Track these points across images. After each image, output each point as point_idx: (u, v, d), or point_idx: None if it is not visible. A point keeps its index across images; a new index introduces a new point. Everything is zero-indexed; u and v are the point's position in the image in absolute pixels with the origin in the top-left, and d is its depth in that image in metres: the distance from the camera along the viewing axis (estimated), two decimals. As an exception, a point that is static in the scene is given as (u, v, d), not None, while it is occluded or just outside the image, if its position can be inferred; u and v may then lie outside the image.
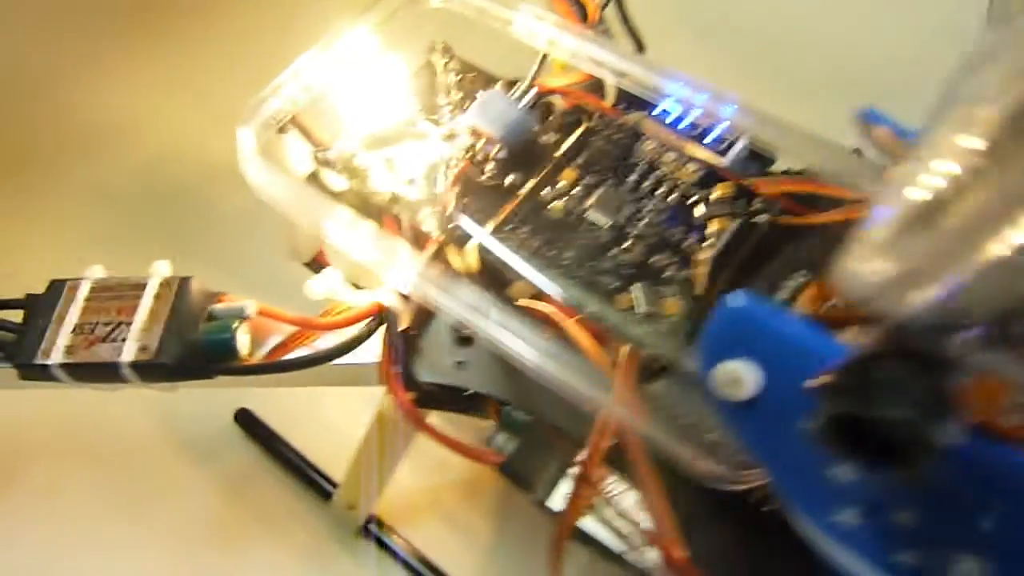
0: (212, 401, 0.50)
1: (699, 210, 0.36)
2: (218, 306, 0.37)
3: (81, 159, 0.62)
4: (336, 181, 0.40)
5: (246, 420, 0.50)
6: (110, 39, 0.67)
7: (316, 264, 0.46)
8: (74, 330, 0.36)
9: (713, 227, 0.35)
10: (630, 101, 0.40)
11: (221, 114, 0.64)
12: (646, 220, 0.36)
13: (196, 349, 0.35)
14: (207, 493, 0.48)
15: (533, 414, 0.35)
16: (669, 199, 0.37)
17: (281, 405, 0.49)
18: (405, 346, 0.35)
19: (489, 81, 0.42)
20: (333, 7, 0.43)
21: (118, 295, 0.37)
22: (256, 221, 0.58)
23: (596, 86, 0.41)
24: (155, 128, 0.63)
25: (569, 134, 0.39)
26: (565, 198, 0.37)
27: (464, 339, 0.37)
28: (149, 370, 0.35)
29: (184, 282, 0.37)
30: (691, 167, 0.37)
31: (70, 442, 0.50)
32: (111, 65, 0.66)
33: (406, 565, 0.44)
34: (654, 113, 0.38)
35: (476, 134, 0.38)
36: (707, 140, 0.37)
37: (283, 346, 0.37)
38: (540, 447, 0.35)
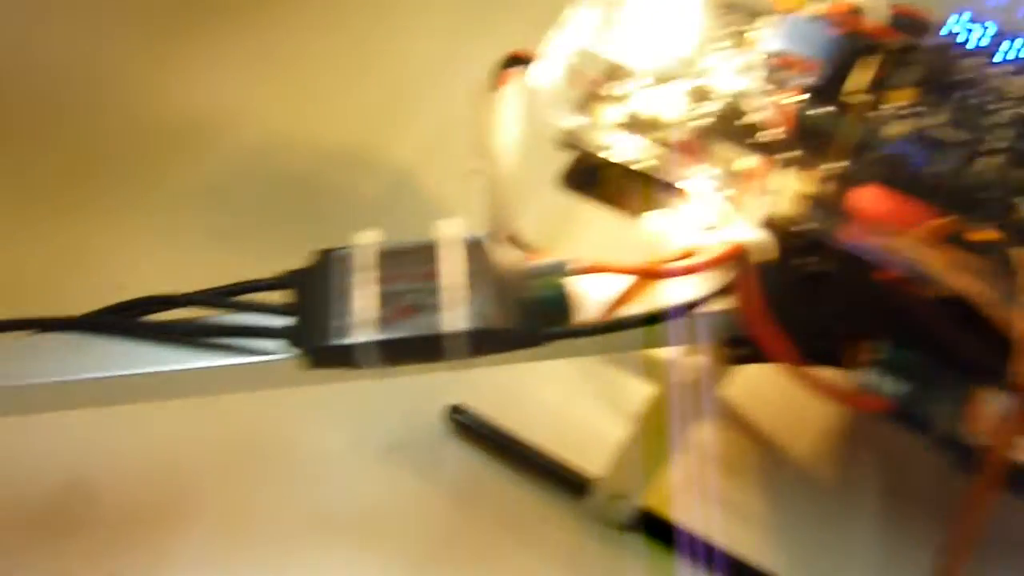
0: (408, 402, 0.44)
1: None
2: (534, 263, 0.31)
3: (186, 155, 0.55)
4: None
5: (461, 417, 0.44)
6: (205, 30, 0.61)
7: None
8: (378, 300, 0.30)
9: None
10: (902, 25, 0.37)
11: (326, 98, 0.59)
12: (998, 134, 0.33)
13: (525, 312, 0.30)
14: (433, 504, 0.42)
15: (923, 347, 0.31)
16: (1007, 114, 0.33)
17: (488, 396, 0.44)
18: (773, 289, 0.31)
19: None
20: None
21: (410, 260, 0.31)
22: (384, 207, 0.53)
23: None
24: (257, 118, 0.57)
25: (870, 59, 0.36)
26: (907, 119, 0.33)
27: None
28: (479, 340, 0.29)
29: (482, 240, 0.32)
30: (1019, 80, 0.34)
31: (258, 465, 0.43)
32: (206, 56, 0.60)
33: (689, 554, 0.39)
34: (942, 34, 0.36)
35: (786, 62, 0.35)
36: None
37: (615, 304, 0.32)
38: (929, 383, 0.31)
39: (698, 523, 0.40)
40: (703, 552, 0.40)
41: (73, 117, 0.55)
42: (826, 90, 0.35)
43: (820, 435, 0.42)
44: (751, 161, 0.33)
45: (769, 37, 0.35)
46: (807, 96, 0.33)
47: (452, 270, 0.30)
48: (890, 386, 0.31)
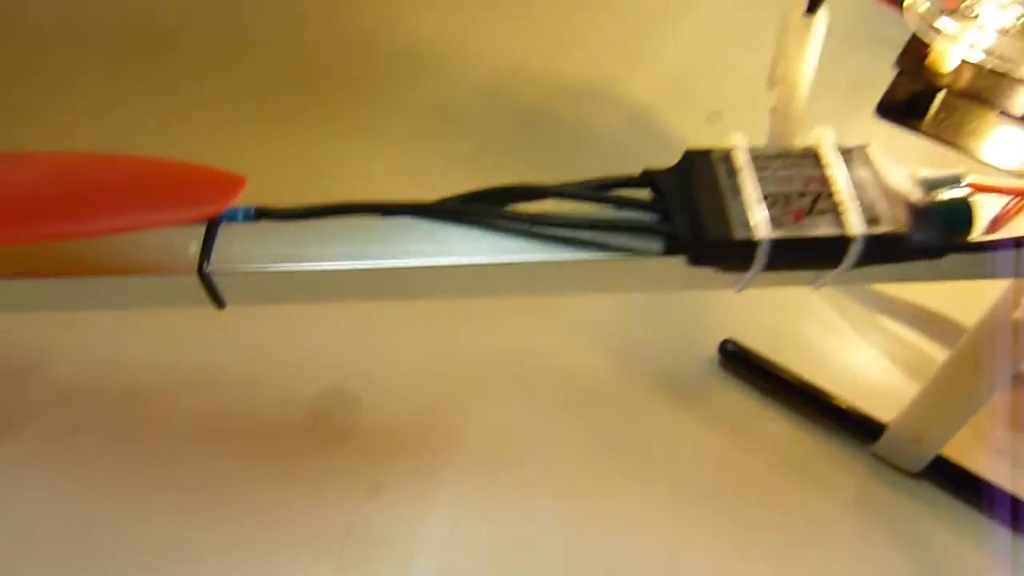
0: (675, 339, 0.43)
1: None
2: (927, 174, 0.30)
3: (423, 80, 0.55)
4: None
5: (735, 352, 0.43)
6: None
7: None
8: (764, 202, 0.29)
9: None
10: None
11: (562, 32, 0.58)
12: None
13: (927, 222, 0.29)
14: (708, 440, 0.41)
15: None
16: None
17: (758, 335, 0.43)
18: None
19: None
20: None
21: (792, 164, 0.30)
22: (617, 143, 0.52)
23: None
24: (494, 47, 0.56)
25: None
26: None
27: None
28: (883, 246, 0.28)
29: (862, 149, 0.31)
30: None
31: (524, 389, 0.42)
32: None
33: (984, 504, 0.38)
34: None
35: None
36: None
37: (996, 222, 0.31)
38: None
39: (995, 474, 0.38)
40: (999, 503, 0.38)
41: (311, 41, 0.55)
42: None
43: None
44: None
45: None
46: None
47: (841, 176, 0.29)
48: None
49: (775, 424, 0.41)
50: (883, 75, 0.38)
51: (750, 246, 0.28)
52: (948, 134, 0.37)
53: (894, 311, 0.43)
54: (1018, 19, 0.32)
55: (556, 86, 0.54)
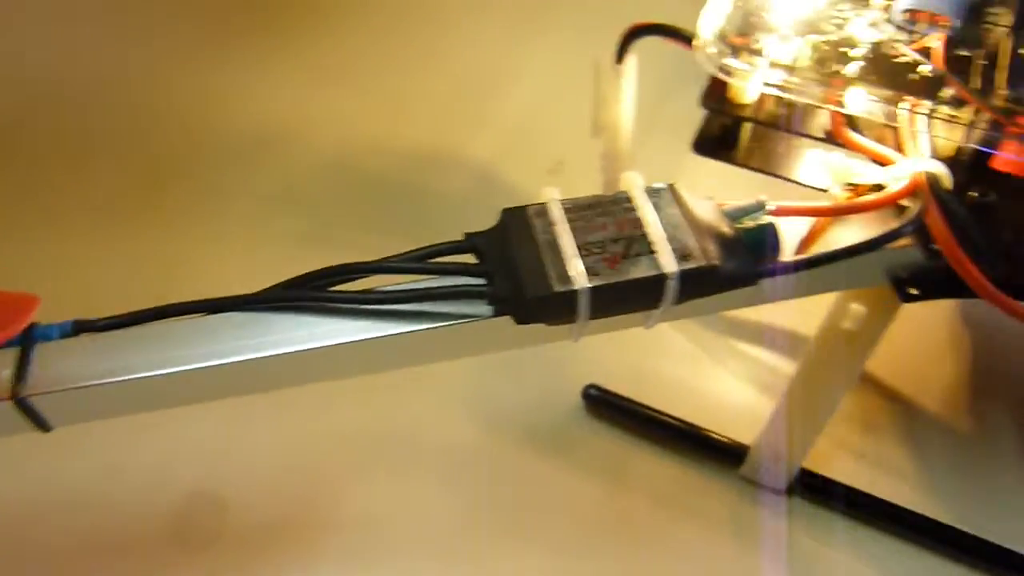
0: (537, 389, 0.43)
1: None
2: (731, 205, 0.31)
3: (261, 162, 0.54)
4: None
5: (598, 397, 0.43)
6: (269, 35, 0.60)
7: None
8: (581, 252, 0.29)
9: None
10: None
11: (396, 101, 0.59)
12: None
13: (736, 251, 0.30)
14: (583, 487, 0.40)
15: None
16: None
17: (619, 376, 0.43)
18: (971, 216, 0.31)
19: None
20: None
21: (604, 212, 0.31)
22: (465, 204, 0.53)
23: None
24: (329, 123, 0.56)
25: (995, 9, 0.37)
26: None
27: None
28: (698, 280, 0.29)
29: (673, 188, 0.32)
30: None
31: (391, 460, 0.41)
32: (271, 64, 0.59)
33: (850, 509, 0.39)
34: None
35: (917, 16, 0.36)
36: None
37: (805, 242, 0.32)
38: None
39: (857, 479, 0.40)
40: (863, 507, 0.40)
41: (145, 132, 0.54)
42: (963, 36, 0.36)
43: (950, 389, 0.43)
44: (909, 99, 0.34)
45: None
46: (950, 39, 0.35)
47: (651, 217, 0.30)
48: (1079, 304, 0.32)
49: (646, 462, 0.41)
50: (699, 112, 0.40)
51: (571, 298, 0.29)
52: (760, 162, 0.38)
53: (745, 333, 0.44)
54: (800, 51, 0.34)
55: (400, 155, 0.54)
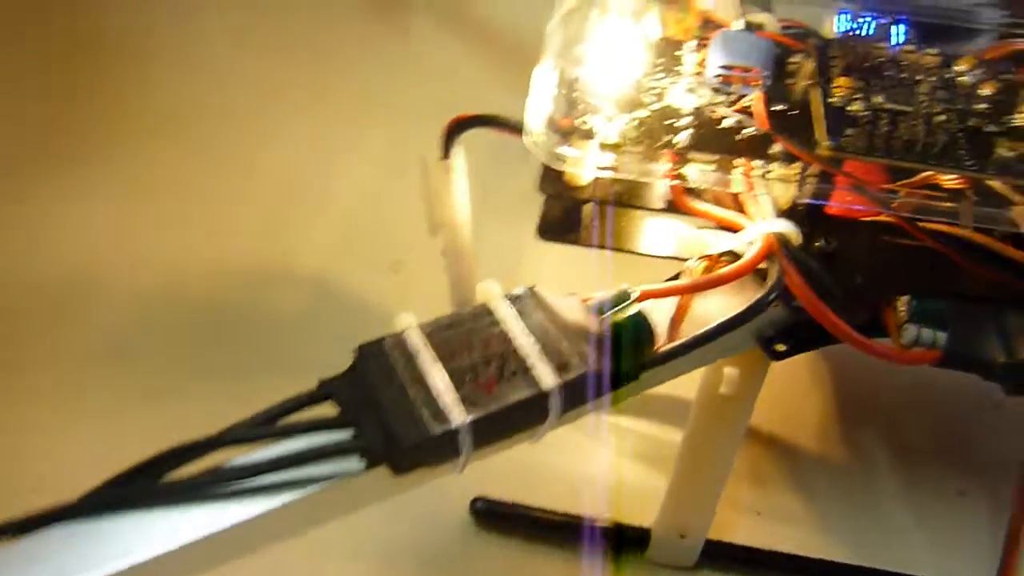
0: (427, 512, 0.39)
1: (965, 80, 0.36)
2: (596, 300, 0.30)
3: (73, 315, 0.47)
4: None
5: (486, 509, 0.40)
6: (63, 170, 0.53)
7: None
8: (452, 382, 0.27)
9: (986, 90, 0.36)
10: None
11: (214, 221, 0.55)
12: (932, 100, 0.36)
13: (614, 349, 0.28)
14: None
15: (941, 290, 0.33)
16: (927, 84, 0.37)
17: (503, 483, 0.40)
18: (824, 268, 0.31)
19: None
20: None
21: (467, 331, 0.28)
22: (307, 316, 0.49)
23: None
24: (144, 256, 0.50)
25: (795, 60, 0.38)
26: (859, 100, 0.36)
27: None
28: (580, 387, 0.27)
29: (534, 291, 0.30)
30: (930, 52, 0.38)
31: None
32: (76, 200, 0.52)
33: (761, 571, 0.38)
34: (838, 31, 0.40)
35: (731, 76, 0.36)
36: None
37: (674, 322, 0.31)
38: (965, 321, 0.33)
39: (757, 538, 0.39)
40: (769, 564, 0.39)
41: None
42: (776, 91, 0.37)
43: (822, 424, 0.44)
44: (740, 161, 0.35)
45: (712, 55, 0.37)
46: (763, 96, 0.36)
47: (518, 329, 0.28)
48: (930, 336, 0.32)
49: (548, 566, 0.39)
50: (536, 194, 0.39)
51: (450, 437, 0.26)
52: (605, 239, 0.38)
53: (624, 407, 0.43)
54: (626, 129, 0.34)
55: (232, 275, 0.50)
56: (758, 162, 0.33)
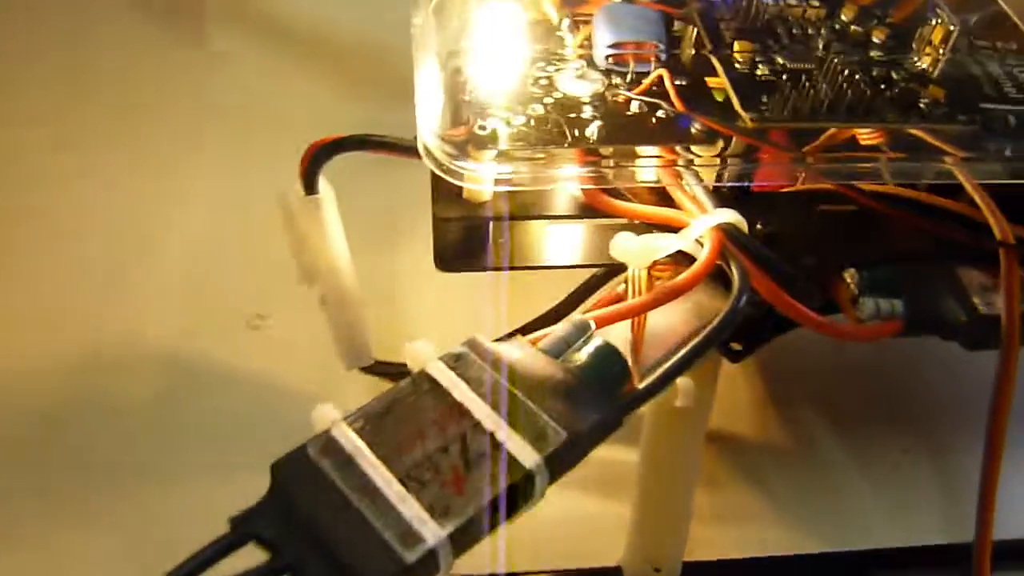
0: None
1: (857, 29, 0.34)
2: (551, 339, 0.24)
3: None
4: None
5: None
6: None
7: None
8: (409, 488, 0.21)
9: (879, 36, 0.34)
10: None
11: (41, 298, 0.46)
12: (834, 52, 0.33)
13: (588, 395, 0.23)
14: None
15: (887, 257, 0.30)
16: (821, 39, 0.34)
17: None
18: (778, 255, 0.28)
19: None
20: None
21: (410, 412, 0.22)
22: (172, 401, 0.41)
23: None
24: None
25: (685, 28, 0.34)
26: (763, 63, 0.32)
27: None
28: (564, 455, 0.22)
29: (476, 344, 0.24)
30: (811, 4, 0.35)
31: None
32: None
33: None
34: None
35: (624, 54, 0.32)
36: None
37: (636, 346, 0.26)
38: (920, 284, 0.30)
39: (724, 547, 0.36)
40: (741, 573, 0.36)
41: None
42: (674, 63, 0.34)
43: (758, 410, 0.41)
44: (661, 151, 0.31)
45: (599, 33, 0.32)
46: (665, 69, 0.32)
47: (472, 399, 0.23)
48: (888, 307, 0.30)
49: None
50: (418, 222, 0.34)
51: (427, 559, 0.20)
52: (513, 258, 0.33)
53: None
54: (526, 132, 0.29)
55: (62, 381, 0.40)
56: (681, 149, 0.30)
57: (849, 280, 0.30)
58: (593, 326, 0.25)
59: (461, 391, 0.23)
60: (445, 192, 0.31)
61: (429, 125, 0.27)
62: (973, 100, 0.31)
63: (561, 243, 0.33)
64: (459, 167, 0.27)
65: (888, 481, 0.39)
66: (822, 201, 0.32)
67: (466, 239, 0.32)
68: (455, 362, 0.23)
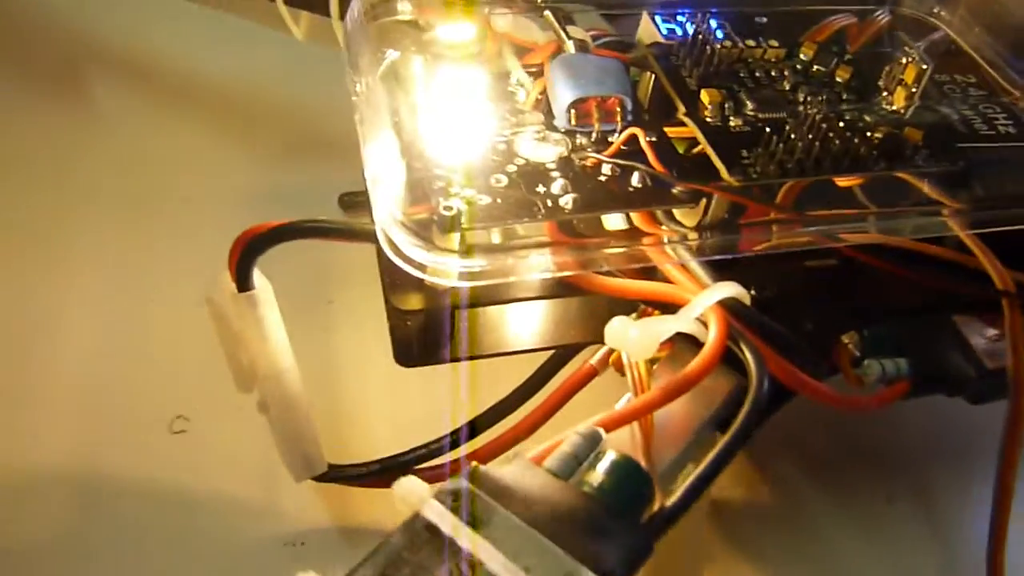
0: None
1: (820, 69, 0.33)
2: (555, 458, 0.21)
3: None
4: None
5: None
6: None
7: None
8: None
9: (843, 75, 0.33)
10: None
11: None
12: (805, 101, 0.31)
13: (613, 524, 0.20)
14: None
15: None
16: (787, 81, 0.32)
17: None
18: (784, 330, 0.25)
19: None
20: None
21: (412, 571, 0.18)
22: (71, 540, 0.35)
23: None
24: None
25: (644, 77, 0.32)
26: (735, 115, 0.30)
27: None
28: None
29: (479, 474, 0.20)
30: (771, 45, 0.33)
31: None
32: None
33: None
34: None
35: (586, 109, 0.29)
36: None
37: (644, 451, 0.23)
38: (923, 340, 0.28)
39: None
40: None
41: None
42: (642, 117, 0.31)
43: (735, 471, 0.39)
44: (637, 218, 0.28)
45: (558, 88, 0.29)
46: (638, 128, 0.29)
47: (484, 547, 0.19)
48: (893, 368, 0.28)
49: None
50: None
51: None
52: (478, 346, 0.29)
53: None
54: (490, 206, 0.26)
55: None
56: (664, 216, 0.27)
57: (849, 342, 0.28)
58: (604, 436, 0.22)
59: (467, 538, 0.19)
60: (400, 279, 0.28)
61: (388, 209, 0.24)
62: (949, 141, 0.30)
63: (532, 322, 0.29)
64: (426, 261, 0.24)
65: (878, 531, 0.38)
66: (806, 256, 0.30)
67: (428, 329, 0.28)
68: (454, 500, 0.20)
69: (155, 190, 0.49)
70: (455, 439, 0.30)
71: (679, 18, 0.35)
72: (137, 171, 0.50)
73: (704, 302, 0.24)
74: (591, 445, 0.21)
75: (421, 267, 0.24)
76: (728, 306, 0.24)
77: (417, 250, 0.23)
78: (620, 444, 0.24)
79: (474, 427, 0.31)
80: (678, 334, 0.25)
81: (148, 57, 0.57)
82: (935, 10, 0.36)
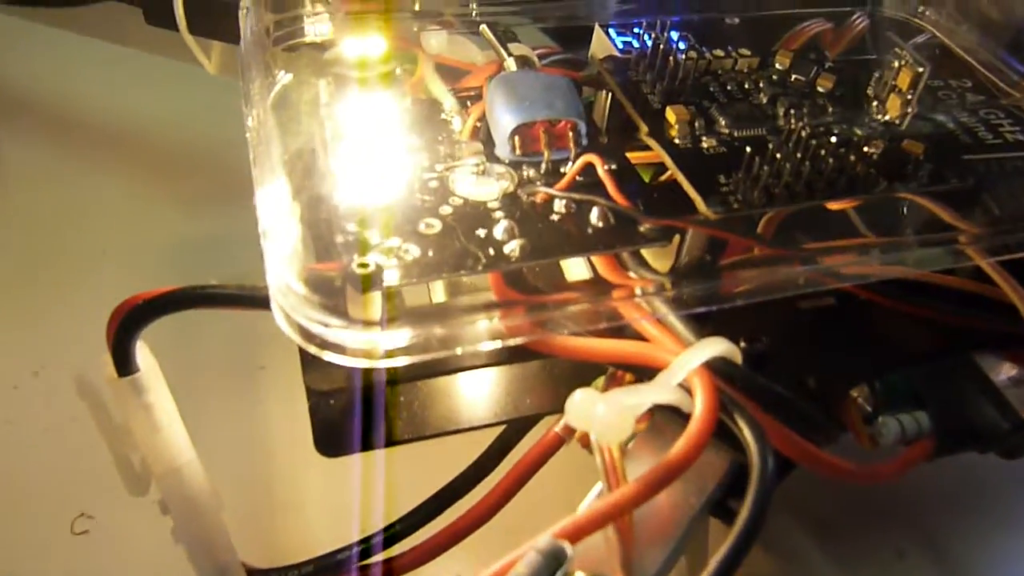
0: None
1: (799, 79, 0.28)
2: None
3: None
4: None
5: None
6: None
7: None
8: None
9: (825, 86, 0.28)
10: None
11: None
12: (795, 110, 0.27)
13: None
14: None
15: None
16: (763, 95, 0.28)
17: None
18: (785, 391, 0.20)
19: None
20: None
21: None
22: None
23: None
24: None
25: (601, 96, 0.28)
26: (708, 135, 0.25)
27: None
28: None
29: None
30: (741, 54, 0.29)
31: None
32: None
33: None
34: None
35: (532, 135, 0.24)
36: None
37: (622, 556, 0.18)
38: (943, 386, 0.24)
39: None
40: None
41: None
42: (598, 142, 0.26)
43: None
44: (600, 264, 0.23)
45: (497, 113, 0.25)
46: (595, 155, 0.25)
47: None
48: (912, 424, 0.24)
49: None
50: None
51: None
52: (421, 425, 0.25)
53: None
54: (418, 263, 0.21)
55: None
56: (635, 264, 0.22)
57: (859, 396, 0.24)
58: (569, 553, 0.17)
59: None
60: (323, 375, 0.23)
61: (282, 272, 0.19)
62: (953, 153, 0.26)
63: (483, 392, 0.25)
64: (336, 338, 0.19)
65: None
66: (798, 296, 0.25)
67: (354, 410, 0.24)
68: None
69: (67, 244, 0.44)
70: (392, 535, 0.25)
71: (635, 30, 0.31)
72: (48, 224, 0.45)
73: (687, 364, 0.20)
74: (554, 564, 0.16)
75: (330, 346, 0.19)
76: (716, 368, 0.20)
77: (321, 324, 0.18)
78: (591, 550, 0.19)
79: (422, 515, 0.27)
80: (657, 404, 0.20)
81: (55, 102, 0.52)
82: (920, 10, 0.32)
